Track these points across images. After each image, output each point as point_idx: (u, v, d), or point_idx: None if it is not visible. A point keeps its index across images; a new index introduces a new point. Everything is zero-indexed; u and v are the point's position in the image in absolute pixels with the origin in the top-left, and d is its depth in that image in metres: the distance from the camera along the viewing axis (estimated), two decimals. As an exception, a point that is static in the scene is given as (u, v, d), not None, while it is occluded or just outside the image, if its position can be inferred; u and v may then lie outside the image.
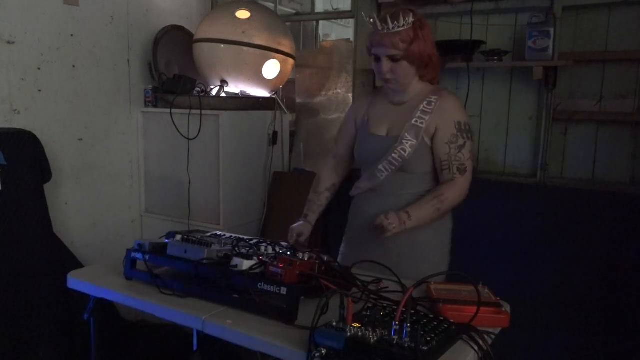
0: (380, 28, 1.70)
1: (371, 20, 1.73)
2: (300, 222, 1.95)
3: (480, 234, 2.49)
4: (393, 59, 1.71)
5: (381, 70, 1.74)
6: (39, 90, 2.58)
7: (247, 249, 1.54)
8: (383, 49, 1.71)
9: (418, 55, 1.72)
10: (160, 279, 1.50)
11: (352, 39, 3.15)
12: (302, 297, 1.30)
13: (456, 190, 1.73)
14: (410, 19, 1.69)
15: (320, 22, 3.94)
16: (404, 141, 1.74)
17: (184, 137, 2.86)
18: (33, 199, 2.41)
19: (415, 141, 1.74)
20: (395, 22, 1.67)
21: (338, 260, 1.90)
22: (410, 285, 1.20)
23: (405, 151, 1.74)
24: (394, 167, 1.76)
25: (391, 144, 1.77)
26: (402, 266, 1.67)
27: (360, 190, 1.87)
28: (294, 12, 3.95)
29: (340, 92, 3.29)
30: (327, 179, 2.01)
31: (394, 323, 1.08)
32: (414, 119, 1.75)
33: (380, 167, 1.78)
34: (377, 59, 1.75)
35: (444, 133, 1.74)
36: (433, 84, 1.84)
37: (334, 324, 1.12)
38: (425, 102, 1.77)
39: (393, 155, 1.75)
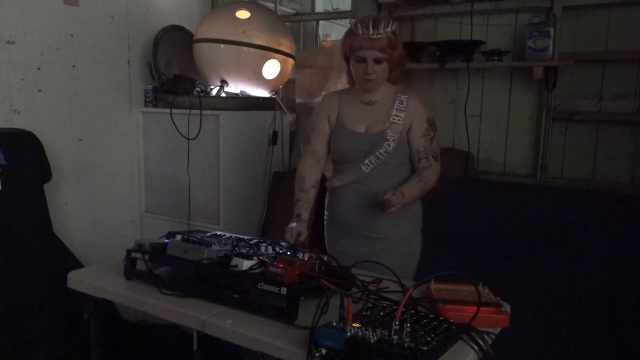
0: (371, 32, 1.83)
1: (362, 25, 1.84)
2: (295, 222, 1.95)
3: (480, 234, 2.49)
4: (378, 61, 1.86)
5: (367, 71, 1.87)
6: (39, 90, 2.58)
7: (247, 249, 1.54)
8: (372, 51, 1.84)
9: (398, 58, 1.92)
10: (160, 279, 1.50)
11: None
12: (302, 297, 1.30)
13: (435, 174, 1.96)
14: (394, 26, 1.86)
15: (320, 22, 3.94)
16: (388, 137, 1.92)
17: (184, 137, 2.87)
18: (33, 199, 2.41)
19: (396, 137, 1.93)
20: (385, 28, 1.83)
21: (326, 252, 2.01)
22: (410, 285, 1.20)
23: (389, 146, 1.92)
24: (379, 161, 1.93)
25: (373, 140, 1.94)
26: (387, 248, 1.95)
27: (342, 182, 2.01)
28: (294, 12, 3.95)
29: (340, 92, 3.29)
30: (311, 177, 2.08)
31: (394, 323, 1.08)
32: (392, 117, 1.94)
33: (367, 161, 1.94)
34: (362, 61, 1.87)
35: (419, 128, 1.95)
36: (394, 84, 2.02)
37: (334, 324, 1.12)
38: (397, 102, 1.96)
39: (380, 150, 1.92)
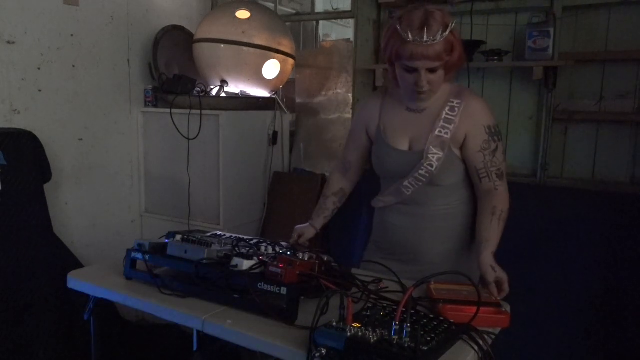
0: (425, 39, 1.47)
1: (408, 29, 1.49)
2: (305, 224, 1.92)
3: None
4: (432, 71, 1.54)
5: (419, 83, 1.55)
6: (39, 90, 2.58)
7: (247, 249, 1.54)
8: (425, 61, 1.51)
9: (457, 61, 1.58)
10: (160, 279, 1.50)
11: (352, 39, 3.15)
12: (302, 297, 1.30)
13: (505, 198, 1.64)
14: (453, 25, 1.51)
15: (320, 22, 3.94)
16: (429, 155, 1.62)
17: (184, 137, 2.87)
18: (33, 199, 2.41)
19: (441, 154, 1.62)
20: (444, 32, 1.48)
21: (360, 265, 1.86)
22: (410, 285, 1.20)
23: (432, 166, 1.62)
24: (421, 183, 1.66)
25: (416, 160, 1.64)
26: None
27: (384, 203, 1.78)
28: (294, 12, 3.95)
29: (340, 92, 3.29)
30: (335, 184, 1.93)
31: (394, 323, 1.08)
32: (437, 130, 1.62)
33: (407, 183, 1.67)
34: (411, 70, 1.54)
35: (476, 141, 1.62)
36: (450, 81, 1.68)
37: (334, 324, 1.11)
38: (447, 109, 1.62)
39: (420, 172, 1.63)
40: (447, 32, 1.49)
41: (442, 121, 1.62)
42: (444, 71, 1.56)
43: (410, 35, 1.49)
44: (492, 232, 1.58)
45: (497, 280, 1.49)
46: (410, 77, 1.56)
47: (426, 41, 1.48)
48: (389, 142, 1.72)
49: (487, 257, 1.54)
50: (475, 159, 1.64)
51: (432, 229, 1.72)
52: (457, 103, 1.63)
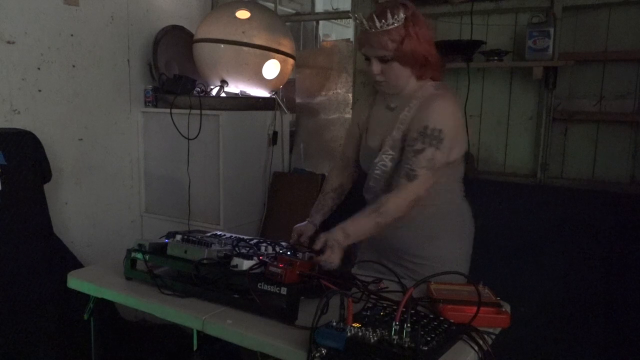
0: (367, 27, 1.55)
1: (357, 19, 1.60)
2: (304, 222, 1.92)
3: (480, 234, 2.49)
4: (382, 60, 1.59)
5: (370, 70, 1.62)
6: (39, 90, 2.58)
7: (247, 249, 1.54)
8: (371, 49, 1.59)
9: (410, 55, 1.56)
10: (160, 279, 1.51)
11: (352, 39, 3.15)
12: (302, 297, 1.30)
13: (398, 199, 1.54)
14: (402, 15, 1.53)
15: (320, 22, 3.94)
16: (384, 155, 1.63)
17: (184, 137, 2.87)
18: (33, 199, 2.41)
19: (394, 154, 1.61)
20: (383, 21, 1.52)
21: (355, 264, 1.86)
22: (410, 285, 1.20)
23: (385, 166, 1.63)
24: (381, 183, 1.66)
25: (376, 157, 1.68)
26: (419, 272, 1.67)
27: (366, 201, 1.78)
28: (294, 12, 3.94)
29: (340, 92, 3.29)
30: (334, 180, 1.94)
31: (394, 323, 1.08)
32: (395, 129, 1.62)
33: (371, 183, 1.70)
34: (368, 59, 1.63)
35: (410, 134, 1.59)
36: (435, 80, 1.67)
37: (334, 324, 1.12)
38: (407, 108, 1.63)
39: (376, 171, 1.65)
40: (394, 19, 1.52)
41: (399, 121, 1.63)
42: (399, 64, 1.58)
43: (361, 24, 1.57)
44: (357, 221, 1.54)
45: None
46: (368, 65, 1.63)
47: (370, 28, 1.55)
48: (366, 139, 1.76)
49: (334, 229, 1.53)
50: (405, 154, 1.59)
51: (410, 228, 1.69)
52: (415, 102, 1.62)
